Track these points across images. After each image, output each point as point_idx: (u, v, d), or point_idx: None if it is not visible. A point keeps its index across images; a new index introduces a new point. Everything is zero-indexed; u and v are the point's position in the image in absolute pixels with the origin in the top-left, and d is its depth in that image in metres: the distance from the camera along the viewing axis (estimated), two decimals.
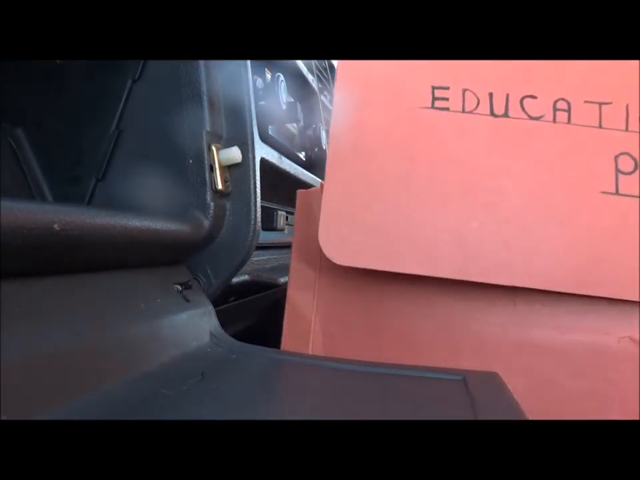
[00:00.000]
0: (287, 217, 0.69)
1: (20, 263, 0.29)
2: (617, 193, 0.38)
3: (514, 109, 0.39)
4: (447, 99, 0.40)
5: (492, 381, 0.37)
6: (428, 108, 0.41)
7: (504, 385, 0.36)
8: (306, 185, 0.71)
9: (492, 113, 0.40)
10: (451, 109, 0.40)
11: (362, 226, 0.42)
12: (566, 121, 0.39)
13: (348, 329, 0.44)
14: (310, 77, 0.83)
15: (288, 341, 0.47)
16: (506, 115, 0.39)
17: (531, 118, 0.39)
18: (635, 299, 0.38)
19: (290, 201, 0.74)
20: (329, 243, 0.42)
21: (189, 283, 0.48)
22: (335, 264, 0.42)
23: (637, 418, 0.36)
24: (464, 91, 0.40)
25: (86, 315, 0.33)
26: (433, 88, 0.40)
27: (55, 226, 0.30)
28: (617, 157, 0.38)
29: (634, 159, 0.38)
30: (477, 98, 0.40)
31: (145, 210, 0.44)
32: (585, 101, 0.39)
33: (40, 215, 0.29)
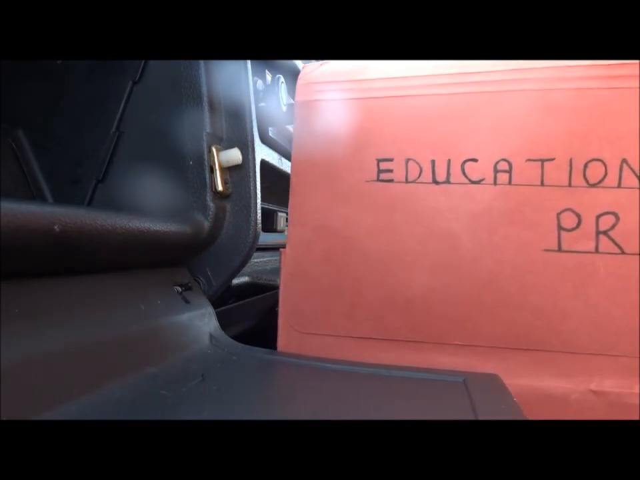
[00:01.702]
0: (287, 219, 0.69)
1: (20, 263, 0.29)
2: (559, 250, 0.39)
3: (455, 175, 0.41)
4: (392, 171, 0.42)
5: (492, 382, 0.37)
6: (374, 181, 0.42)
7: (504, 387, 0.36)
8: None
9: (434, 181, 0.41)
10: (395, 180, 0.42)
11: (319, 294, 0.45)
12: (507, 182, 0.39)
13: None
14: None
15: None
16: (447, 181, 0.41)
17: (472, 182, 0.40)
18: (581, 352, 0.39)
19: None
20: (290, 313, 0.46)
21: (189, 284, 0.48)
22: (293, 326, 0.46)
23: None
24: (407, 160, 0.41)
25: (86, 315, 0.33)
26: (378, 161, 0.42)
27: (55, 227, 0.30)
28: (559, 213, 0.39)
29: (577, 214, 0.38)
30: (420, 167, 0.41)
31: (145, 211, 0.44)
32: (527, 160, 0.39)
33: (40, 216, 0.29)
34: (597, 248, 0.38)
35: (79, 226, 0.32)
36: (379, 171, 0.42)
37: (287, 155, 0.64)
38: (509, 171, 0.39)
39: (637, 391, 0.38)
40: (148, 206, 0.48)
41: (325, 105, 0.43)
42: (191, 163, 0.49)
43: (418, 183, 0.41)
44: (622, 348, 0.38)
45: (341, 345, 0.44)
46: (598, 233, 0.38)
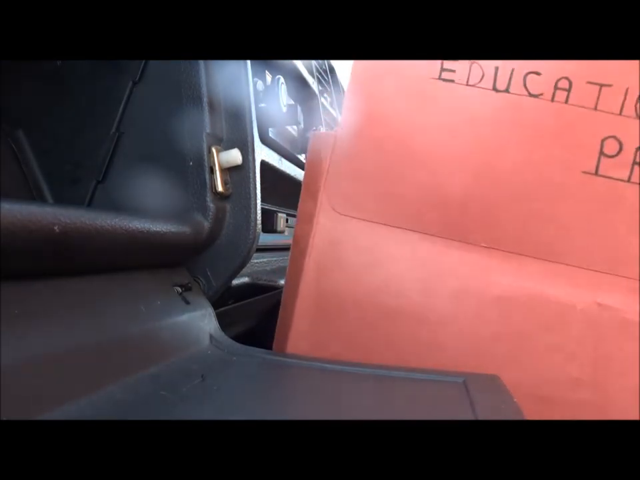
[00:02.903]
0: (287, 219, 0.70)
1: (20, 264, 0.29)
2: (595, 173, 0.40)
3: (516, 85, 0.41)
4: (454, 71, 0.42)
5: (492, 383, 0.37)
6: (435, 79, 0.42)
7: (504, 387, 0.36)
8: None
9: (494, 88, 0.41)
10: (455, 81, 0.42)
11: (364, 180, 0.45)
12: (564, 100, 0.40)
13: (340, 267, 0.46)
14: (310, 79, 0.83)
15: (288, 280, 0.49)
16: (507, 90, 0.41)
17: (530, 95, 0.40)
18: (599, 270, 0.41)
19: (290, 203, 0.74)
20: (333, 194, 0.46)
21: (189, 284, 0.48)
22: (334, 206, 0.46)
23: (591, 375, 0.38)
24: (471, 63, 0.41)
25: (86, 316, 0.33)
26: (442, 61, 0.42)
27: (55, 227, 0.30)
28: (603, 139, 0.40)
29: (620, 142, 0.39)
30: (483, 71, 0.41)
31: (145, 212, 0.44)
32: (587, 82, 0.39)
33: (40, 217, 0.29)
34: (629, 177, 0.40)
35: (78, 226, 0.32)
36: (442, 70, 0.42)
37: (287, 156, 0.64)
38: (568, 90, 0.40)
39: (637, 309, 0.41)
40: (148, 206, 0.48)
41: None
42: (191, 163, 0.49)
43: (477, 87, 0.41)
44: (631, 271, 0.41)
45: (374, 232, 0.45)
46: (634, 163, 0.39)
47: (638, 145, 0.39)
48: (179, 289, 0.46)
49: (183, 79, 0.49)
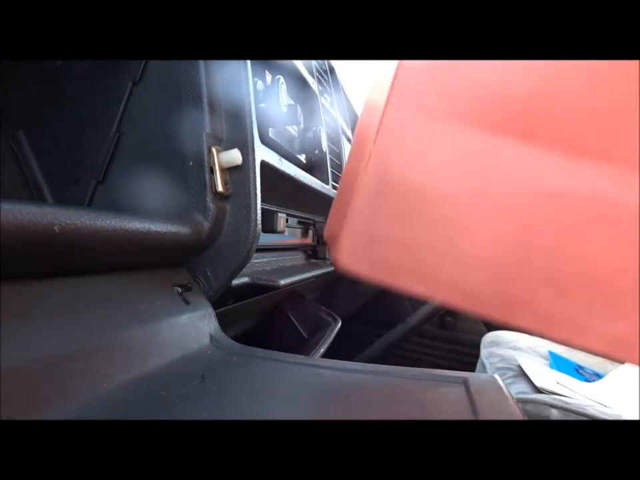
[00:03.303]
0: (287, 219, 0.70)
1: (20, 264, 0.29)
2: None
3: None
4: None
5: (492, 383, 0.37)
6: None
7: (504, 387, 0.36)
8: (306, 188, 0.71)
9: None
10: None
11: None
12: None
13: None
14: (310, 80, 0.83)
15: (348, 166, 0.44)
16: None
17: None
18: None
19: (290, 203, 0.74)
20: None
21: (189, 285, 0.48)
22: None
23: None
24: None
25: (86, 316, 0.33)
26: None
27: (55, 228, 0.30)
28: None
29: None
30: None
31: (145, 212, 0.44)
32: None
33: (40, 217, 0.29)
34: None
35: (78, 227, 0.32)
36: None
37: (287, 156, 0.64)
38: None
39: None
40: (148, 207, 0.48)
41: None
42: (191, 163, 0.49)
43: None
44: None
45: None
46: None
47: None
48: (179, 289, 0.46)
49: (183, 79, 0.49)
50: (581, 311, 0.37)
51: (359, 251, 0.43)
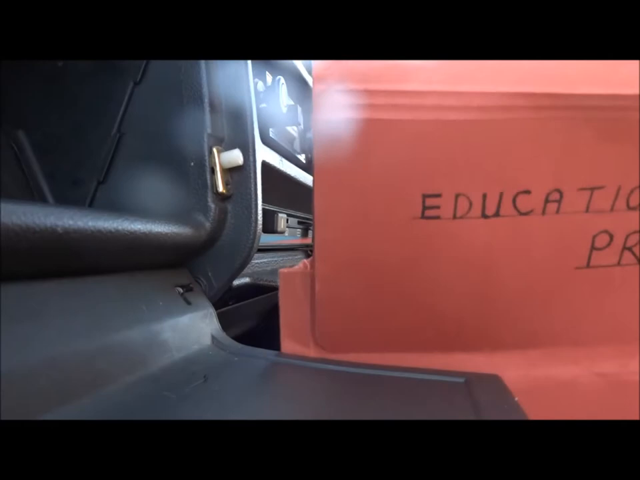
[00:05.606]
0: (287, 220, 0.70)
1: (20, 265, 0.29)
2: (587, 266, 0.40)
3: (505, 208, 0.38)
4: (439, 207, 0.38)
5: (493, 382, 0.37)
6: (418, 219, 0.39)
7: (505, 387, 0.36)
8: (307, 188, 0.71)
9: (483, 215, 0.38)
10: (442, 217, 0.39)
11: (353, 320, 0.44)
12: (555, 211, 0.38)
13: None
14: (310, 79, 0.83)
15: None
16: (497, 214, 0.39)
17: (520, 214, 0.39)
18: (589, 344, 0.43)
19: (291, 204, 0.74)
20: (323, 336, 0.45)
21: (190, 285, 0.48)
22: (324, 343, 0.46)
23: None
24: (457, 196, 0.38)
25: (88, 317, 0.33)
26: (424, 196, 0.38)
27: (58, 229, 0.30)
28: (595, 235, 0.39)
29: (610, 235, 0.39)
30: (470, 202, 0.38)
31: (146, 213, 0.44)
32: (579, 189, 0.37)
33: (43, 218, 0.29)
34: (619, 261, 0.40)
35: (82, 228, 0.32)
36: (424, 208, 0.38)
37: (287, 156, 0.64)
38: (559, 201, 0.38)
39: (633, 369, 0.43)
40: (149, 207, 0.49)
41: (352, 125, 0.36)
42: (192, 164, 0.49)
43: (466, 218, 0.39)
44: (623, 338, 0.43)
45: (372, 359, 0.45)
46: (624, 249, 0.39)
47: (628, 232, 0.39)
48: (180, 290, 0.46)
49: (183, 79, 0.49)
50: None
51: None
